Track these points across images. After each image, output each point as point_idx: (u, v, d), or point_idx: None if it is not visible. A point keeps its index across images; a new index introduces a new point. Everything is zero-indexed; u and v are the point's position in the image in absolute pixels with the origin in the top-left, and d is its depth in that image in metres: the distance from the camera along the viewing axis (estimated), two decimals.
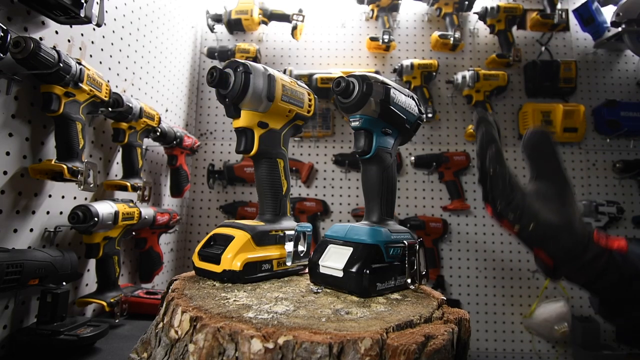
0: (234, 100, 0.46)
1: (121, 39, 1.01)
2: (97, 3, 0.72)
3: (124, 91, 1.02)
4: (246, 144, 0.48)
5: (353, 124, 0.45)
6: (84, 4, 0.68)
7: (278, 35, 1.70)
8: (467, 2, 1.62)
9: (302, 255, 0.49)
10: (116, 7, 0.99)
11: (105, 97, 0.79)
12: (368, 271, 0.38)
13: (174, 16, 1.39)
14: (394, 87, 0.45)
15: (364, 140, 0.45)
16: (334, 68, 1.66)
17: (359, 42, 1.71)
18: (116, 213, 0.79)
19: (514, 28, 1.65)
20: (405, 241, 0.43)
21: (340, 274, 0.40)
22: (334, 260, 0.41)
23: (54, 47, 0.65)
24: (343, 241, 0.42)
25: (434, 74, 1.60)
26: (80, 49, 0.84)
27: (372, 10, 1.65)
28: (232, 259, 0.42)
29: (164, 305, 0.36)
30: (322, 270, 0.42)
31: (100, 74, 0.78)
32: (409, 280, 0.43)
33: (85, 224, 0.72)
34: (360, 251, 0.40)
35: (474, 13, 1.66)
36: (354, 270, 0.39)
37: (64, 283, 0.68)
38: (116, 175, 0.99)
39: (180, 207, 1.52)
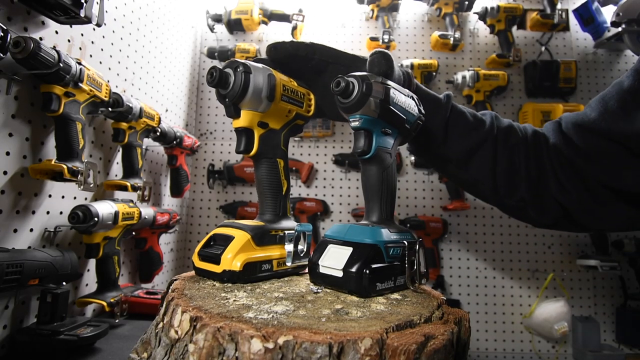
0: (234, 100, 0.45)
1: (121, 39, 1.01)
2: (97, 3, 0.72)
3: (124, 91, 1.02)
4: (246, 144, 0.48)
5: (353, 124, 0.45)
6: (84, 4, 0.68)
7: (278, 35, 1.70)
8: (467, 2, 1.62)
9: (302, 255, 0.49)
10: (116, 7, 0.99)
11: (105, 97, 0.79)
12: (368, 271, 0.38)
13: (174, 16, 1.39)
14: (393, 87, 0.45)
15: (363, 140, 0.45)
16: None
17: (359, 42, 1.71)
18: (116, 213, 0.79)
19: (514, 28, 1.65)
20: (405, 241, 0.43)
21: (340, 274, 0.40)
22: (334, 260, 0.41)
23: (54, 47, 0.65)
24: (343, 241, 0.42)
25: (434, 74, 1.60)
26: (80, 49, 0.84)
27: (372, 10, 1.65)
28: (232, 259, 0.42)
29: (164, 305, 0.36)
30: (321, 270, 0.42)
31: (100, 74, 0.78)
32: (408, 280, 0.43)
33: (85, 224, 0.72)
34: (360, 251, 0.40)
35: (474, 13, 1.66)
36: (353, 270, 0.39)
37: (64, 283, 0.68)
38: (116, 175, 0.99)
39: (180, 207, 1.52)
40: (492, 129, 0.64)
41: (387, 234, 0.42)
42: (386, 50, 0.52)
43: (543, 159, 0.64)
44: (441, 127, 0.62)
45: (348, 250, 0.41)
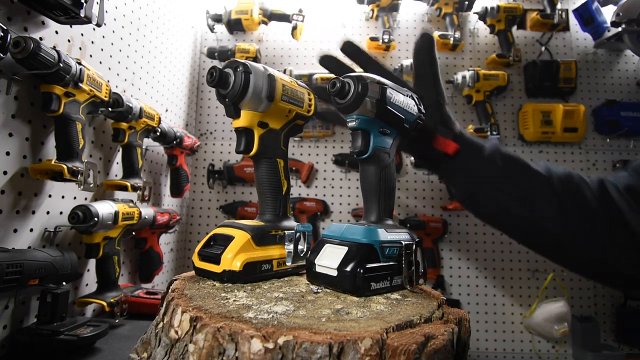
0: (234, 100, 0.45)
1: (121, 39, 1.01)
2: (97, 3, 0.72)
3: (124, 91, 1.02)
4: (246, 144, 0.48)
5: (350, 124, 0.45)
6: (84, 4, 0.68)
7: (278, 35, 1.70)
8: (467, 2, 1.62)
9: (302, 255, 0.49)
10: (116, 7, 0.99)
11: (105, 97, 0.79)
12: (362, 270, 0.38)
13: (174, 16, 1.39)
14: (390, 87, 0.45)
15: (360, 140, 0.45)
16: None
17: (359, 42, 1.69)
18: (116, 213, 0.79)
19: (514, 28, 1.65)
20: (402, 241, 0.43)
21: (334, 273, 0.40)
22: (330, 259, 0.41)
23: (54, 47, 0.65)
24: (339, 240, 0.42)
25: None
26: (80, 49, 0.84)
27: (372, 10, 1.65)
28: (232, 259, 0.42)
29: (164, 305, 0.36)
30: (317, 269, 0.42)
31: (100, 74, 0.78)
32: (405, 280, 0.43)
33: (85, 224, 0.72)
34: (355, 250, 0.40)
35: (474, 13, 1.66)
36: (347, 269, 0.39)
37: (64, 283, 0.68)
38: (116, 175, 0.99)
39: (180, 207, 1.52)
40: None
41: (383, 233, 0.42)
42: None
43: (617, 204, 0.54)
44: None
45: (343, 250, 0.41)
